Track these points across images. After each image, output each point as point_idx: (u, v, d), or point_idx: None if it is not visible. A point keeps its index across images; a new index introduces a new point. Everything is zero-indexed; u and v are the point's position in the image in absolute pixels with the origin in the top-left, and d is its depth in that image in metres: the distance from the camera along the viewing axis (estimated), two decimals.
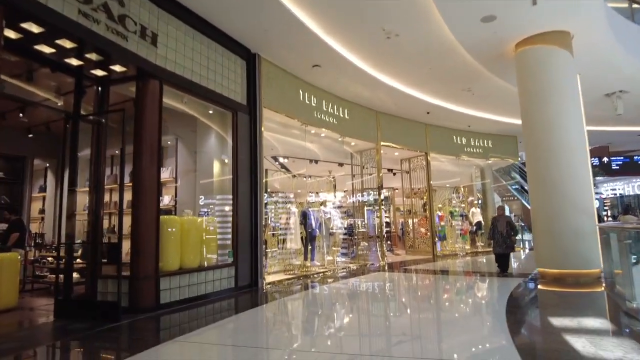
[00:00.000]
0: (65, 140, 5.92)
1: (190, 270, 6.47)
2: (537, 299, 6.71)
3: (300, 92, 9.73)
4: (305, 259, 10.11)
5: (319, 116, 10.32)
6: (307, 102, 9.95)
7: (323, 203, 11.06)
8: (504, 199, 24.89)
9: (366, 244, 12.35)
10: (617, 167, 17.73)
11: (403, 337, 4.52)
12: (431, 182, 14.60)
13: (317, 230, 10.43)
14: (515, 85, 11.00)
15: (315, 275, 9.54)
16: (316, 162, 13.55)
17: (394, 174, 17.58)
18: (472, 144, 15.92)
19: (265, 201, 9.99)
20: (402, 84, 10.70)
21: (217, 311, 6.04)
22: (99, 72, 6.04)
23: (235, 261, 7.38)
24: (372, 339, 4.51)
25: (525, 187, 23.80)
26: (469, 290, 7.71)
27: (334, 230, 11.07)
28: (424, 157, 14.65)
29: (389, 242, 17.25)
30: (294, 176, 11.75)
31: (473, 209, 16.25)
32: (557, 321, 4.78)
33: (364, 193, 13.09)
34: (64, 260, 5.73)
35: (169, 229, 6.26)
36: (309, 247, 10.20)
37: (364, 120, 12.11)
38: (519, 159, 17.62)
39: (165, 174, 8.29)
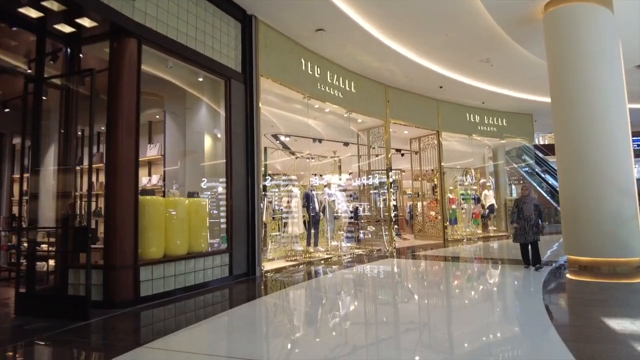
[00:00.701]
0: (27, 110, 5.07)
1: (176, 258, 5.69)
2: (578, 293, 5.87)
3: (302, 60, 8.79)
4: (309, 244, 9.34)
5: (323, 88, 9.39)
6: (310, 73, 9.02)
7: (328, 185, 10.23)
8: (512, 183, 23.95)
9: (373, 229, 11.56)
10: (638, 148, 16.66)
11: (435, 338, 3.74)
12: (442, 163, 13.70)
13: (320, 213, 9.64)
14: (538, 56, 10.04)
15: (319, 262, 8.78)
16: (320, 141, 12.66)
17: (402, 154, 16.67)
18: (486, 122, 14.94)
19: (266, 183, 9.19)
20: (415, 53, 9.71)
21: (206, 305, 5.28)
22: (66, 29, 5.15)
23: (229, 247, 6.61)
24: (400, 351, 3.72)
25: (537, 170, 22.85)
26: (493, 282, 6.91)
27: (339, 214, 10.27)
28: (435, 135, 13.72)
29: (396, 227, 16.48)
30: (296, 156, 10.89)
31: (485, 192, 15.38)
32: (614, 323, 3.96)
33: (371, 175, 12.24)
34: (27, 247, 4.97)
35: (152, 212, 5.46)
36: (312, 232, 9.42)
37: (372, 95, 11.17)
38: (535, 139, 16.63)
39: (154, 151, 7.47)
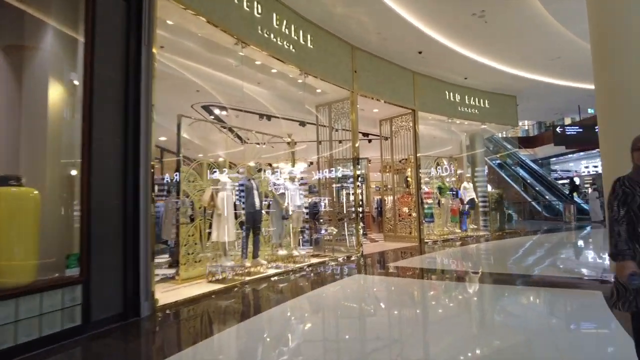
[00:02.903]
0: None
1: None
2: None
3: None
4: (244, 256, 6.61)
5: (267, 35, 6.65)
6: (247, 9, 6.25)
7: (274, 170, 7.52)
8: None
9: (334, 230, 9.01)
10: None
11: None
12: (418, 149, 11.36)
13: (263, 211, 6.94)
14: (552, 13, 7.85)
15: (260, 282, 6.11)
16: (268, 118, 9.92)
17: (370, 140, 14.24)
18: (467, 102, 12.76)
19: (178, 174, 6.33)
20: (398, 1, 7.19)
21: None
22: None
23: (84, 273, 3.77)
24: None
25: (508, 162, 21.25)
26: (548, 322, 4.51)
27: (292, 211, 7.56)
28: (410, 116, 11.34)
29: (362, 225, 14.06)
30: (243, 139, 8.07)
31: (465, 184, 13.23)
32: None
33: (334, 168, 9.65)
34: None
35: None
36: (251, 238, 6.70)
37: (335, 56, 8.54)
38: (520, 124, 14.75)
39: None
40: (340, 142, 9.67)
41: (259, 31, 6.51)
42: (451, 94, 12.32)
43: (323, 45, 8.16)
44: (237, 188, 6.59)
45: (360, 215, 13.57)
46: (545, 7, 7.61)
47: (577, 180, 22.17)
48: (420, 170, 11.54)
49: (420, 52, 9.74)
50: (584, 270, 6.70)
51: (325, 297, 5.40)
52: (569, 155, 23.66)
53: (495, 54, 10.21)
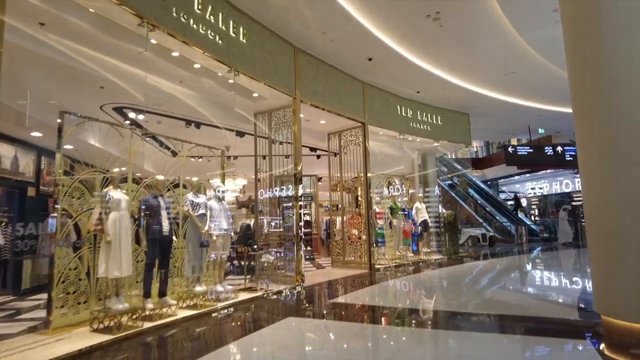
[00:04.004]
0: None
1: None
2: None
3: None
4: (147, 295, 5.12)
5: (184, 20, 5.40)
6: None
7: (191, 184, 6.11)
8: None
9: (271, 258, 7.70)
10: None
11: None
12: (369, 166, 10.41)
13: (173, 236, 5.52)
14: (512, 21, 7.29)
15: (162, 330, 4.66)
16: (197, 125, 8.55)
17: (319, 156, 13.21)
18: (420, 118, 12.12)
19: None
20: None
21: None
22: None
23: None
24: None
25: (455, 182, 21.05)
26: None
27: (217, 236, 6.15)
28: (360, 129, 10.41)
29: (309, 248, 12.83)
30: (173, 151, 6.58)
31: (417, 204, 12.44)
32: None
33: (274, 187, 8.42)
34: None
35: None
36: (156, 270, 5.24)
37: (273, 55, 7.41)
38: (474, 144, 14.38)
39: None
40: (286, 157, 8.44)
41: (174, 13, 5.25)
42: (403, 108, 11.62)
43: (259, 42, 7.02)
44: (137, 208, 5.15)
45: (307, 238, 12.42)
46: (503, 10, 7.00)
47: (524, 202, 22.43)
48: (371, 190, 10.58)
49: (370, 59, 8.88)
50: (563, 306, 5.85)
51: (240, 355, 4.06)
52: (515, 177, 24.03)
53: (449, 64, 9.59)
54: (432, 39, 8.11)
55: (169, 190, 6.02)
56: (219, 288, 6.01)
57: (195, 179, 6.19)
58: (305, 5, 6.58)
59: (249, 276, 7.64)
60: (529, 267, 10.89)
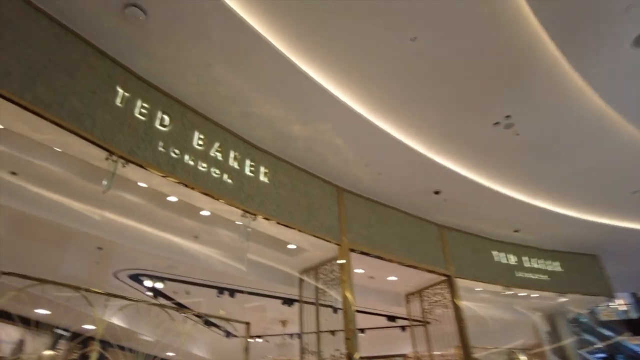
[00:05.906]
0: None
1: None
2: None
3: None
4: None
5: (175, 155, 4.50)
6: (140, 117, 4.31)
7: None
8: None
9: None
10: None
11: None
12: (466, 335, 7.42)
13: None
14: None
15: None
16: (231, 293, 6.99)
17: (403, 328, 10.36)
18: (528, 265, 9.18)
19: None
20: (369, 109, 5.11)
21: None
22: None
23: None
24: None
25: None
26: None
27: None
28: (446, 284, 7.88)
29: None
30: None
31: None
32: None
33: None
34: None
35: None
36: None
37: (308, 196, 6.07)
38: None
39: None
40: (333, 333, 6.15)
41: (160, 148, 4.39)
42: (501, 254, 8.97)
43: (287, 182, 5.85)
44: None
45: None
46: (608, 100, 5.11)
47: None
48: None
49: (437, 193, 7.11)
50: None
51: None
52: None
53: (546, 189, 7.33)
54: (506, 153, 6.26)
55: None
56: None
57: None
58: (333, 131, 5.47)
59: None
60: None
